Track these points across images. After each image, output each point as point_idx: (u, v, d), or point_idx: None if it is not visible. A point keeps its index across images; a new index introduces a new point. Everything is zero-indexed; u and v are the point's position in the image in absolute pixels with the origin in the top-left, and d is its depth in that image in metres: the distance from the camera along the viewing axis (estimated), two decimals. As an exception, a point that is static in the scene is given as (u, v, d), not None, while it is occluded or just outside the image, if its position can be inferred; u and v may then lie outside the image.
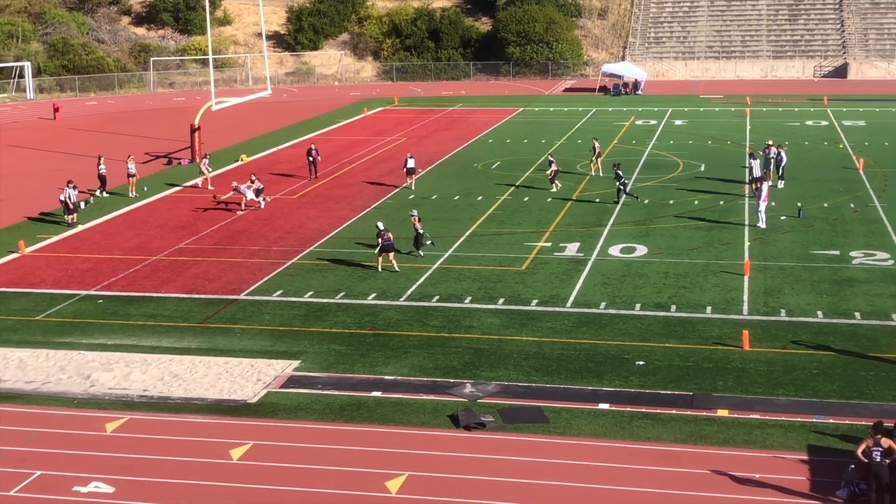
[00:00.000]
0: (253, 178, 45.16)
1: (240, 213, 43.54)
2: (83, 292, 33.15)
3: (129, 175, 47.71)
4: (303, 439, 22.10)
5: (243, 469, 20.85)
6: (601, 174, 49.64)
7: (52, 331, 29.52)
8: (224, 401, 24.24)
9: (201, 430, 22.66)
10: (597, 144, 50.86)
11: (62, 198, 42.06)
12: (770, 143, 49.34)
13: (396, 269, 34.40)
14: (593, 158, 50.42)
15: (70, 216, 41.89)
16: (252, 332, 29.04)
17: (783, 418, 22.54)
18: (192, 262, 36.50)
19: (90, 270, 35.68)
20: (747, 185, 45.22)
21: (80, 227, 41.74)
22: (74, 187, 42.54)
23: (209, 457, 21.37)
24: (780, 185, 46.20)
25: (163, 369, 26.24)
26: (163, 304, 31.72)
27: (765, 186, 39.78)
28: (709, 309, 30.09)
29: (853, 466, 19.43)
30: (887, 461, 18.70)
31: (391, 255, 34.41)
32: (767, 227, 39.00)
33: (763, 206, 39.46)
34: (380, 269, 34.42)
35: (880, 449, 18.75)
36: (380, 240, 34.25)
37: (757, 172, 43.97)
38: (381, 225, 34.93)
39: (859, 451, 19.00)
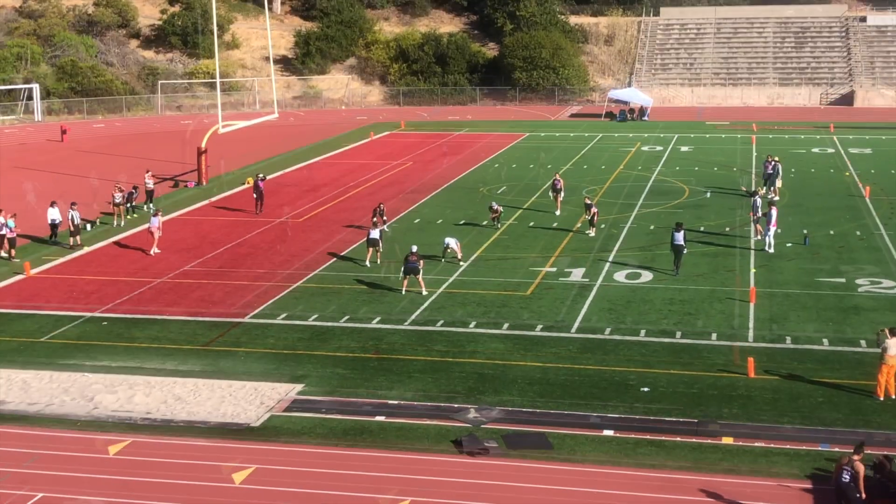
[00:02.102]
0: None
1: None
2: (88, 314, 33.15)
3: (115, 204, 46.76)
4: (306, 463, 22.02)
5: (246, 493, 20.77)
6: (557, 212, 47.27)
7: (57, 352, 29.50)
8: (227, 424, 24.17)
9: (204, 454, 22.59)
10: (559, 179, 48.22)
11: (51, 220, 42.18)
12: (769, 157, 51.17)
13: (424, 292, 34.51)
14: (556, 195, 47.57)
15: (73, 238, 41.95)
16: (256, 355, 29.00)
17: (788, 447, 22.43)
18: (196, 284, 36.50)
19: (95, 292, 35.69)
20: (753, 223, 43.51)
21: (85, 249, 41.77)
22: (72, 209, 42.57)
23: (212, 480, 21.30)
24: (765, 191, 47.43)
25: (166, 392, 26.20)
26: (167, 327, 31.71)
27: (773, 211, 39.72)
28: (714, 336, 30.01)
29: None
30: (854, 483, 18.89)
31: (419, 277, 34.57)
32: (774, 254, 38.94)
33: (772, 231, 39.43)
34: (403, 292, 34.55)
35: (850, 470, 18.89)
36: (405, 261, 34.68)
37: (759, 212, 42.62)
38: (414, 248, 35.18)
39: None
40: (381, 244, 38.50)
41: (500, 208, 45.11)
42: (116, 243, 43.16)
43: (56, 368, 28.10)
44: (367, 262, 38.35)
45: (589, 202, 43.24)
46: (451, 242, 38.60)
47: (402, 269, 34.79)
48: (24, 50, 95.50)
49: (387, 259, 38.54)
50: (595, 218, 42.78)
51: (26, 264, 38.72)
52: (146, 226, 42.96)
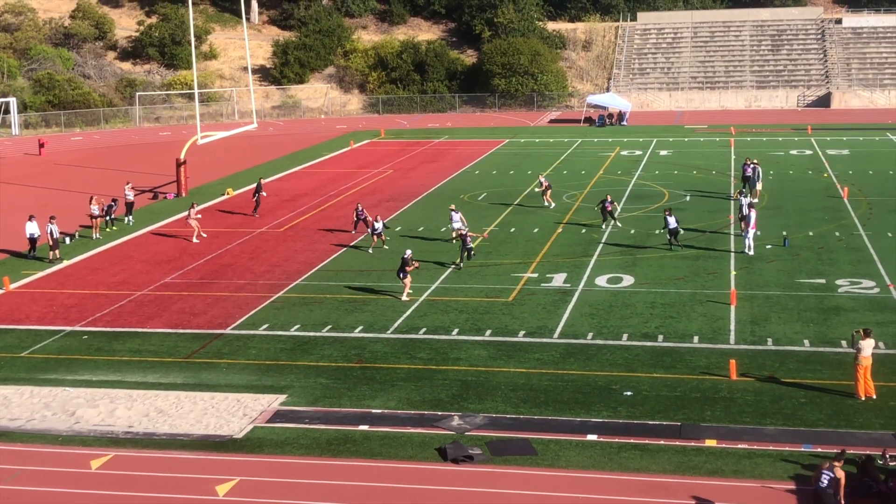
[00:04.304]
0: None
1: None
2: (68, 328, 32.97)
3: (93, 217, 46.46)
4: (289, 474, 21.95)
5: (229, 505, 20.69)
6: (552, 205, 49.96)
7: (37, 367, 29.32)
8: (210, 436, 24.07)
9: (187, 467, 22.49)
10: (543, 180, 51.11)
11: (29, 234, 42.05)
12: (747, 159, 52.34)
13: (405, 298, 34.94)
14: (542, 193, 50.54)
15: (52, 251, 41.71)
16: (238, 366, 28.90)
17: (771, 448, 22.50)
18: (177, 296, 36.36)
19: (75, 306, 35.50)
20: (738, 220, 44.04)
21: (64, 263, 41.56)
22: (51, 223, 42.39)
23: (195, 493, 21.20)
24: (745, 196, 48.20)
25: (148, 405, 26.07)
26: (148, 340, 31.57)
27: (753, 214, 39.96)
28: (696, 338, 30.10)
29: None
30: (831, 490, 18.89)
31: (405, 280, 35.14)
32: (754, 256, 39.11)
33: (751, 233, 39.64)
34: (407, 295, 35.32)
35: (829, 475, 18.96)
36: (408, 268, 35.22)
37: (746, 211, 43.18)
38: (408, 252, 35.79)
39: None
40: (383, 233, 42.34)
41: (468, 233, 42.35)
42: (96, 255, 42.97)
43: (37, 383, 27.92)
44: (371, 250, 41.86)
45: (611, 199, 45.13)
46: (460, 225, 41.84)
47: (400, 271, 35.28)
48: (1, 63, 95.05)
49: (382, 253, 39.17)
50: (610, 214, 44.86)
51: (5, 279, 38.48)
52: (183, 214, 48.26)
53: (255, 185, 52.71)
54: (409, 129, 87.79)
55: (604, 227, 44.85)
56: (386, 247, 42.19)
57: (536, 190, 51.67)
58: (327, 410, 25.41)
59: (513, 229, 45.44)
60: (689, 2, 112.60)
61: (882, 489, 19.83)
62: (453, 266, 38.78)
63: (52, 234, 41.66)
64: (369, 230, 42.78)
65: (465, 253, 39.16)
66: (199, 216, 47.67)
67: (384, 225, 42.97)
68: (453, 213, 43.19)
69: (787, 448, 22.44)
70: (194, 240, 45.01)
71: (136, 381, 27.88)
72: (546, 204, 49.99)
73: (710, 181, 56.64)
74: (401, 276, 34.98)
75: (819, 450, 22.24)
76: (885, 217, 45.86)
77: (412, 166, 65.55)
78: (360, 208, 44.93)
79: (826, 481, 18.94)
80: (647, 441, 23.02)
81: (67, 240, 45.14)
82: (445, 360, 28.82)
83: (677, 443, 22.92)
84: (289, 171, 64.51)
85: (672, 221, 40.71)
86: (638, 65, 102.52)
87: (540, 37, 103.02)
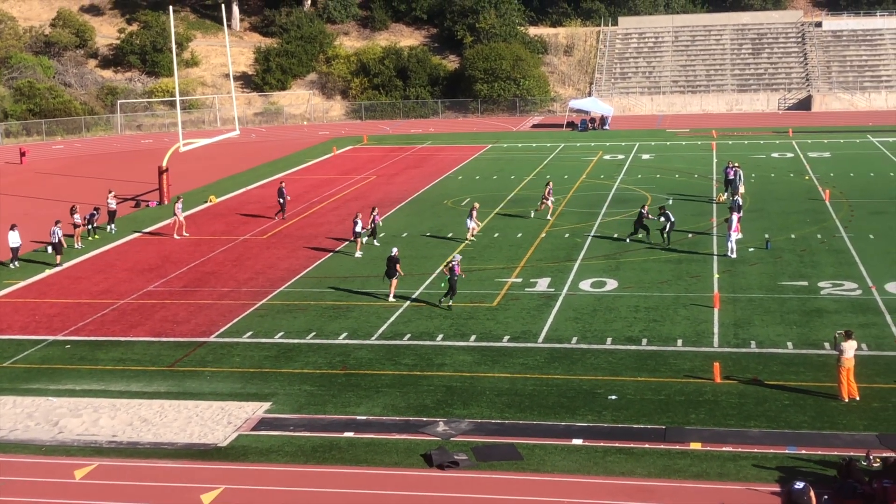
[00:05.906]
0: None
1: None
2: (51, 338, 32.80)
3: (75, 225, 46.28)
4: (274, 482, 21.89)
5: (214, 514, 20.61)
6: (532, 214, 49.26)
7: (20, 377, 29.15)
8: (194, 445, 23.98)
9: (171, 475, 22.40)
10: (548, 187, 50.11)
11: (12, 244, 41.93)
12: (729, 163, 52.79)
13: (391, 298, 35.31)
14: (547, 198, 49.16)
15: (58, 254, 41.95)
16: (222, 374, 28.81)
17: (756, 450, 22.56)
18: (160, 304, 36.23)
19: (58, 315, 35.33)
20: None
21: (47, 272, 41.33)
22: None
23: (180, 502, 21.11)
24: (725, 197, 49.77)
25: (132, 414, 25.96)
26: (132, 348, 31.43)
27: (734, 217, 40.13)
28: (680, 342, 30.17)
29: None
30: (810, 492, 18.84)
31: (393, 279, 35.46)
32: (737, 259, 39.25)
33: (734, 236, 39.80)
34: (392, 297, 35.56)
35: (807, 483, 18.93)
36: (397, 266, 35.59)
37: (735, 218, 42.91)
38: (394, 250, 36.22)
39: None
40: (362, 238, 43.08)
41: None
42: (79, 264, 42.79)
43: (19, 393, 27.76)
44: (358, 253, 42.59)
45: (647, 210, 43.80)
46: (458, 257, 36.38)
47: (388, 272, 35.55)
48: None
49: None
50: (644, 227, 42.85)
51: (-13, 289, 38.31)
52: (171, 219, 48.86)
53: (278, 188, 52.41)
54: (391, 134, 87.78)
55: (644, 236, 42.70)
56: (358, 254, 42.39)
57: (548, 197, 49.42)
58: (312, 418, 25.36)
59: (496, 234, 45.47)
60: (670, 6, 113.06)
61: (867, 490, 19.91)
62: (441, 304, 34.61)
63: (59, 237, 41.85)
64: (354, 232, 42.82)
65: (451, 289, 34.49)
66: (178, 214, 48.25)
67: (359, 231, 42.97)
68: (474, 211, 44.35)
69: (771, 450, 22.51)
70: (175, 235, 46.97)
71: (119, 390, 27.75)
72: (534, 212, 49.22)
73: (692, 185, 56.82)
74: (388, 277, 35.38)
75: (803, 451, 22.33)
76: (866, 219, 46.11)
77: (395, 172, 65.54)
78: (376, 211, 45.19)
79: (802, 484, 18.86)
80: (632, 445, 23.05)
81: (49, 248, 44.84)
82: (430, 366, 28.81)
83: (662, 446, 22.96)
84: (271, 178, 64.36)
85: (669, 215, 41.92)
86: (619, 69, 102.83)
87: (522, 42, 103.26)
